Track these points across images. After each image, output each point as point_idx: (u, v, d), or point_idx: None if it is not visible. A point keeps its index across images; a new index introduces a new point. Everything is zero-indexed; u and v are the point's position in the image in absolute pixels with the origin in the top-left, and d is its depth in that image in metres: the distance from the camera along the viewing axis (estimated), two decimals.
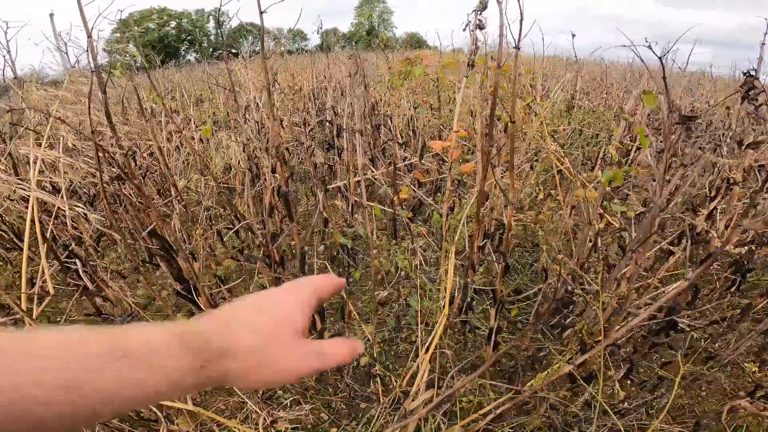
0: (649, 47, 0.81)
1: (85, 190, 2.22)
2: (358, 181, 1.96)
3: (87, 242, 2.10)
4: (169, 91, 4.18)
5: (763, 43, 2.26)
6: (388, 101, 2.65)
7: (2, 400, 0.25)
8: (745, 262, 1.41)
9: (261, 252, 1.53)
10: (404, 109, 2.50)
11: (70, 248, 2.00)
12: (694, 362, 1.78)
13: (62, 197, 1.46)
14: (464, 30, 1.21)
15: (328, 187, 2.39)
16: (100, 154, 1.14)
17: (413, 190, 1.42)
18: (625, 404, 1.57)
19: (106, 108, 1.12)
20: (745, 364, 1.69)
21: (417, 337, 1.19)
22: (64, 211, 1.58)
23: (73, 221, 2.03)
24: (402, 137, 2.61)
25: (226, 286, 1.76)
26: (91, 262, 2.09)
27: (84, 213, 1.53)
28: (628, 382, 1.62)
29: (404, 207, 1.48)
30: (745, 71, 0.73)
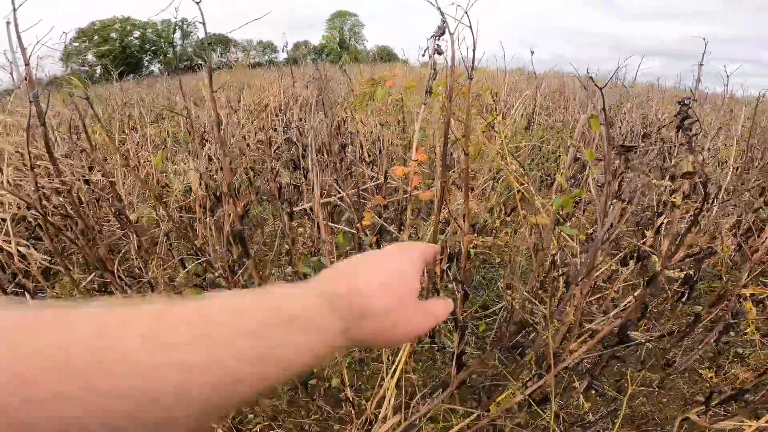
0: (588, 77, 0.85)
1: (31, 219, 2.10)
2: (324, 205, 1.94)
3: (34, 273, 1.98)
4: (125, 107, 4.02)
5: (701, 64, 2.42)
6: (354, 119, 2.66)
7: (207, 378, 0.23)
8: (693, 274, 1.49)
9: (225, 281, 1.48)
10: (371, 127, 2.51)
11: (17, 279, 1.89)
12: (654, 370, 1.85)
13: (5, 232, 1.37)
14: (423, 56, 1.23)
15: (293, 209, 2.36)
16: (41, 190, 1.08)
17: (375, 216, 1.42)
18: (590, 416, 1.61)
19: (45, 141, 1.06)
20: (701, 371, 1.76)
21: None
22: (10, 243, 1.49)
23: (19, 252, 1.92)
24: (369, 156, 2.61)
25: None
26: (40, 293, 1.97)
27: (27, 247, 1.44)
28: (593, 392, 1.66)
29: (367, 233, 1.48)
30: (680, 100, 0.76)
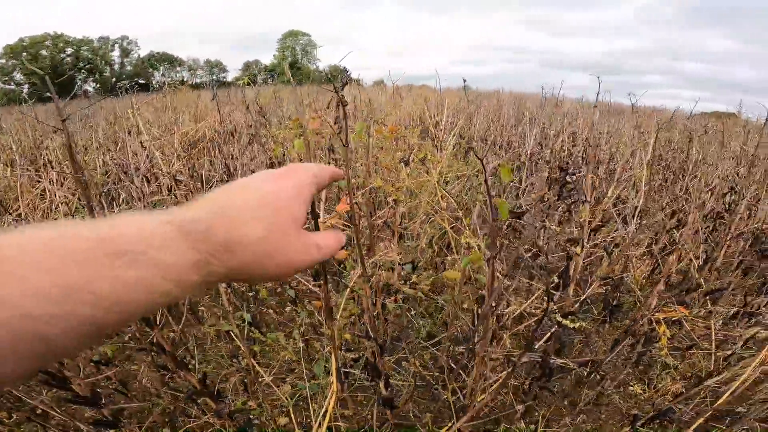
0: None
1: None
2: None
3: None
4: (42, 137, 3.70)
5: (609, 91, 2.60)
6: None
7: None
8: (611, 300, 1.56)
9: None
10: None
11: None
12: (591, 387, 1.90)
13: None
14: (327, 107, 1.22)
15: None
16: None
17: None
18: None
19: None
20: (632, 387, 1.83)
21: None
22: None
23: None
24: None
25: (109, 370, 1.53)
26: None
27: None
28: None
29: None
30: (563, 167, 0.77)
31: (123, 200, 2.49)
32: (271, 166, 2.43)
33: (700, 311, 1.69)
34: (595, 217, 1.43)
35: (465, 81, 3.15)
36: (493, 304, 0.65)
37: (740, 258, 1.79)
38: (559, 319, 0.90)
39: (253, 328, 1.40)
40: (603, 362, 1.28)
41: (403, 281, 1.35)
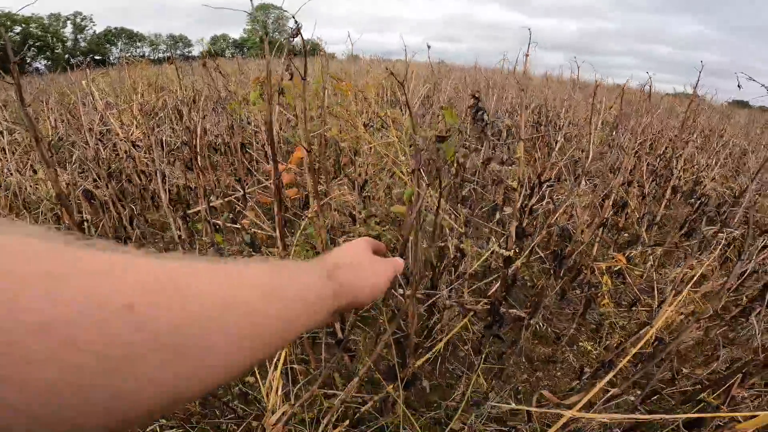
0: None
1: None
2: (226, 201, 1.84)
3: None
4: None
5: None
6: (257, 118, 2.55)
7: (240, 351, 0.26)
8: (560, 251, 1.63)
9: None
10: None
11: None
12: (547, 345, 2.00)
13: None
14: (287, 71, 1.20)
15: (187, 212, 2.21)
16: None
17: (254, 221, 1.37)
18: (491, 393, 1.70)
19: None
20: (582, 344, 1.93)
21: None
22: None
23: None
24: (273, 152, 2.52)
25: None
26: None
27: None
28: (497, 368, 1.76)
29: (248, 230, 1.42)
30: (473, 93, 0.79)
31: (75, 160, 2.38)
32: (232, 128, 2.38)
33: (640, 263, 1.79)
34: (544, 170, 1.48)
35: (429, 47, 3.13)
36: (421, 219, 0.68)
37: (674, 211, 1.89)
38: (502, 252, 0.94)
39: None
40: (552, 312, 1.35)
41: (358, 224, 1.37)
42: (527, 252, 1.61)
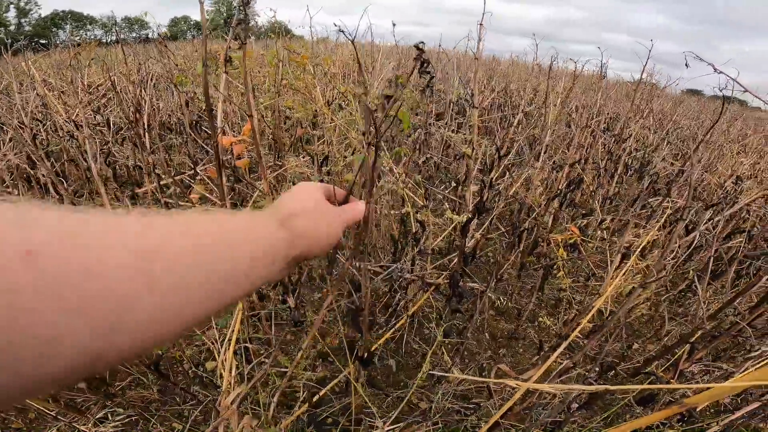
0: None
1: None
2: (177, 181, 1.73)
3: None
4: None
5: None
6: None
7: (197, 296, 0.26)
8: (518, 224, 1.65)
9: None
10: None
11: None
12: (510, 321, 2.03)
13: None
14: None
15: (136, 191, 2.08)
16: None
17: (203, 194, 1.29)
18: (455, 370, 1.71)
19: None
20: (541, 319, 1.97)
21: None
22: None
23: None
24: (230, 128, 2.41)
25: None
26: None
27: None
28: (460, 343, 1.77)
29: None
30: (416, 44, 0.75)
31: (10, 140, 2.20)
32: (186, 105, 2.25)
33: (594, 236, 1.85)
34: (503, 145, 1.48)
35: (394, 25, 3.08)
36: (377, 182, 0.65)
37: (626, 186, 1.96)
38: (455, 218, 0.92)
39: None
40: (513, 286, 1.36)
41: None
42: (486, 224, 1.62)
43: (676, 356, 1.22)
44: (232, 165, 1.19)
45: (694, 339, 1.10)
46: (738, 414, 0.85)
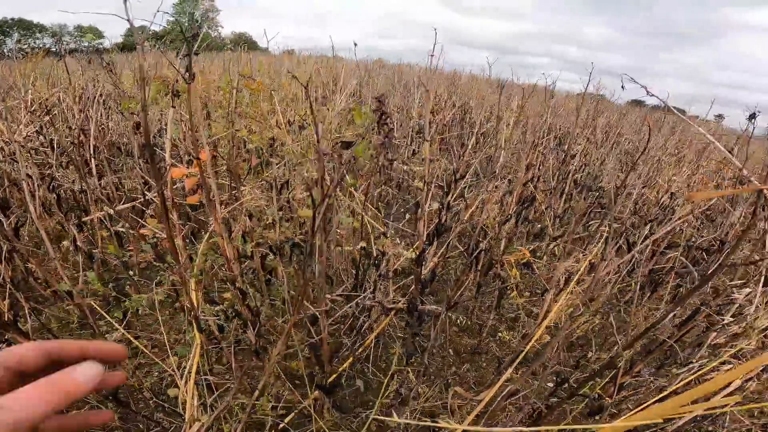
0: None
1: None
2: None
3: None
4: None
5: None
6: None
7: None
8: (474, 246, 1.70)
9: None
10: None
11: None
12: (473, 337, 2.07)
13: None
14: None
15: (82, 220, 1.97)
16: None
17: (153, 230, 1.25)
18: (423, 388, 1.73)
19: None
20: (501, 334, 2.03)
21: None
22: None
23: None
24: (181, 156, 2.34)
25: None
26: None
27: None
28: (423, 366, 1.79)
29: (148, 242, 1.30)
30: (377, 96, 0.77)
31: None
32: (137, 127, 2.15)
33: (547, 253, 1.93)
34: (459, 168, 1.53)
35: (356, 45, 3.11)
36: (329, 215, 0.65)
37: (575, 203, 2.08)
38: (405, 254, 0.95)
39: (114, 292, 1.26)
40: (473, 305, 1.40)
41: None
42: (444, 248, 1.66)
43: (617, 368, 1.30)
44: (184, 198, 1.15)
45: (626, 355, 1.18)
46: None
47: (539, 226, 2.04)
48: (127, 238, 1.87)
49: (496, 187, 1.80)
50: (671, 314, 1.07)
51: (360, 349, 1.60)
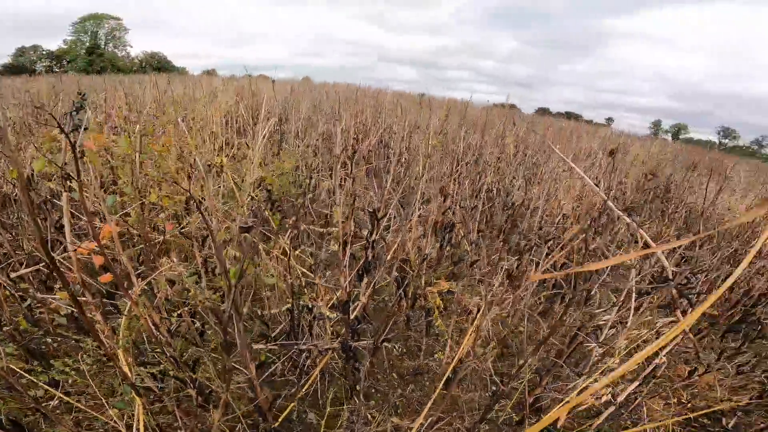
0: None
1: None
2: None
3: None
4: None
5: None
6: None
7: None
8: (402, 280, 1.82)
9: None
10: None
11: None
12: (413, 359, 2.16)
13: None
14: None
15: None
16: None
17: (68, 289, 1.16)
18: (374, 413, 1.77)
19: None
20: (437, 354, 2.14)
21: None
22: None
23: None
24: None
25: None
26: None
27: None
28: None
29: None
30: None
31: None
32: (27, 183, 1.96)
33: (467, 276, 2.10)
34: (380, 208, 1.62)
35: (275, 68, 3.14)
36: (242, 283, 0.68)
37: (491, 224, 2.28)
38: (324, 312, 1.00)
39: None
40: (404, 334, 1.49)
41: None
42: (370, 287, 1.75)
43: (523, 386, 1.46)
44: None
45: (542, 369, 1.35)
46: None
47: (458, 252, 2.21)
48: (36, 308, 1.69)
49: (420, 215, 1.93)
50: (548, 338, 1.24)
51: (306, 386, 1.62)
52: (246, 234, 0.76)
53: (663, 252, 1.17)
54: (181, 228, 1.63)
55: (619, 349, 1.05)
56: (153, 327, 1.16)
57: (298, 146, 3.05)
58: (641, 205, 3.70)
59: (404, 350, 2.17)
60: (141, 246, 1.52)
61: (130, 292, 1.06)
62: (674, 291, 1.19)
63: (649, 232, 2.92)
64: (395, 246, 1.71)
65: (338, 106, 4.39)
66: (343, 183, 2.47)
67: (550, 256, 1.54)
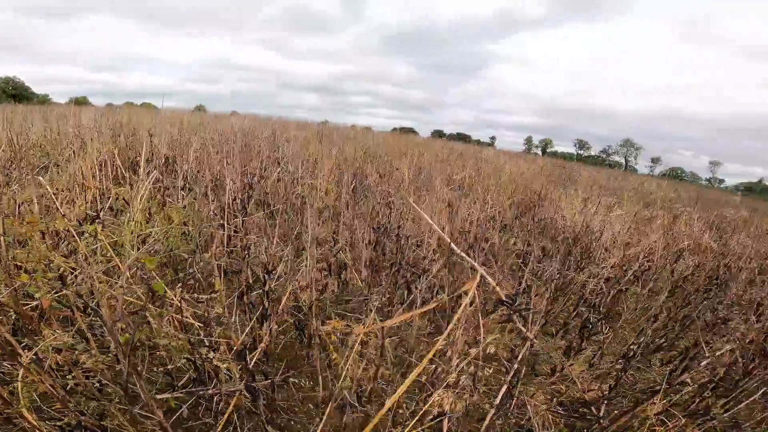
0: None
1: None
2: None
3: None
4: None
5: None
6: None
7: None
8: (298, 323, 1.93)
9: None
10: None
11: None
12: (325, 389, 2.25)
13: None
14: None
15: None
16: None
17: None
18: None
19: None
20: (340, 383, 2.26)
21: None
22: None
23: None
24: None
25: None
26: None
27: None
28: None
29: None
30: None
31: None
32: None
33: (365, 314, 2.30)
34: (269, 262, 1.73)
35: (163, 97, 3.04)
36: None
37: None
38: (217, 363, 1.06)
39: None
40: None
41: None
42: (268, 334, 1.83)
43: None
44: None
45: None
46: None
47: (352, 289, 2.40)
48: None
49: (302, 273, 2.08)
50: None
51: (221, 425, 1.62)
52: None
53: (498, 286, 1.49)
54: (59, 295, 1.53)
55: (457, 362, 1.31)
56: (50, 387, 1.11)
57: (185, 197, 2.99)
58: (512, 221, 4.34)
59: (313, 383, 2.26)
60: (17, 318, 1.39)
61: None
62: (509, 309, 1.53)
63: (515, 246, 3.46)
64: (287, 294, 1.82)
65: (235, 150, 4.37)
66: (238, 231, 2.52)
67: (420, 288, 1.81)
